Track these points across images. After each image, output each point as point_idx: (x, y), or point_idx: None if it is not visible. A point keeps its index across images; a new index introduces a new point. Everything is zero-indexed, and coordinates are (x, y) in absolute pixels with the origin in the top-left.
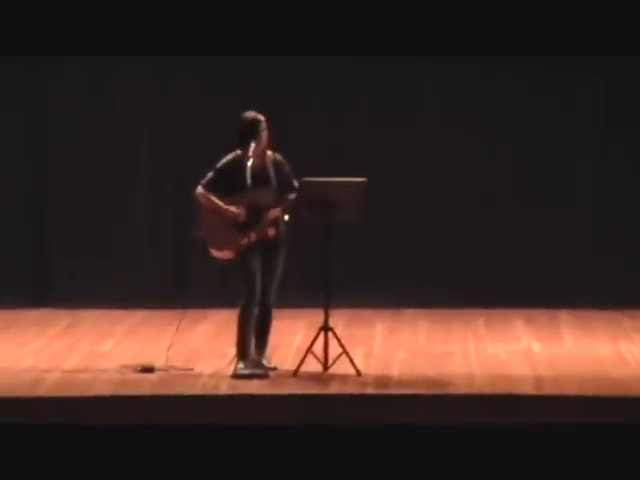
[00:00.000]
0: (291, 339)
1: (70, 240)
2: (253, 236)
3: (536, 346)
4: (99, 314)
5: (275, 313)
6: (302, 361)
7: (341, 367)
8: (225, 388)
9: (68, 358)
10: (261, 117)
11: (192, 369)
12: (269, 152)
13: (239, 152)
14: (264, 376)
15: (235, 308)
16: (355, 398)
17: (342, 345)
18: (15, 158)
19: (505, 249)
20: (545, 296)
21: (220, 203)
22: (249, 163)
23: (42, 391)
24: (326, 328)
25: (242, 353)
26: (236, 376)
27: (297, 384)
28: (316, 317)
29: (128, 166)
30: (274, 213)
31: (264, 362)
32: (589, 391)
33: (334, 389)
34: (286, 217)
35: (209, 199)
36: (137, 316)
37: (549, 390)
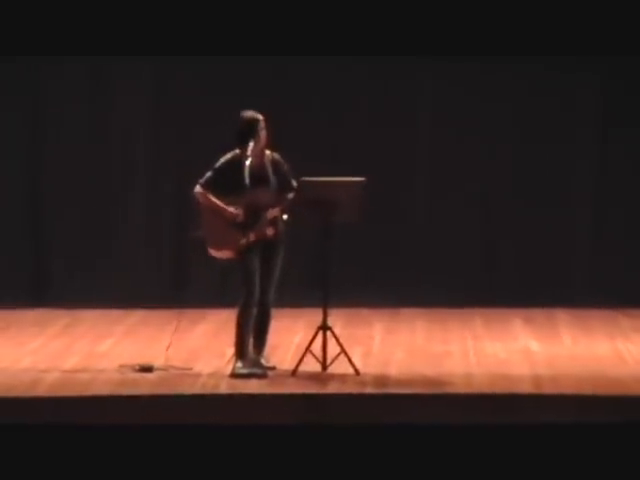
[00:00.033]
0: (290, 338)
1: (68, 240)
2: (252, 236)
3: (534, 345)
4: (98, 314)
5: (274, 312)
6: (301, 360)
7: (340, 366)
8: (224, 387)
9: (67, 358)
10: (260, 116)
11: (191, 369)
12: (267, 151)
13: (237, 151)
14: (263, 375)
15: (234, 308)
16: (354, 397)
17: (341, 344)
18: (13, 158)
19: (504, 249)
20: (544, 296)
21: (218, 202)
22: (247, 162)
23: (41, 391)
24: (325, 327)
25: (240, 352)
26: (234, 375)
27: (296, 383)
28: (315, 317)
29: (126, 166)
30: (273, 213)
31: (263, 361)
32: (587, 390)
33: (333, 388)
34: (285, 217)
35: (207, 198)
36: (136, 316)
37: (548, 389)
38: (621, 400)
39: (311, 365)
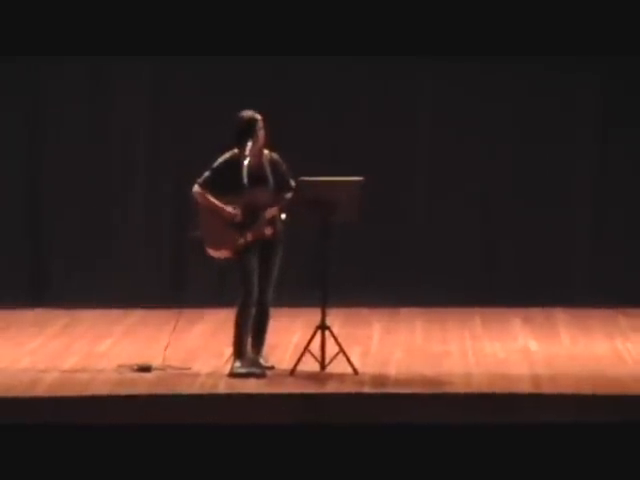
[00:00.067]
0: (288, 338)
1: (68, 240)
2: (250, 235)
3: (533, 345)
4: (96, 314)
5: (272, 312)
6: (299, 360)
7: (338, 366)
8: (223, 387)
9: (66, 358)
10: (258, 116)
11: (189, 368)
12: (266, 151)
13: (236, 151)
14: (261, 375)
15: (232, 307)
16: (352, 397)
17: (339, 344)
18: (13, 158)
19: (504, 249)
20: (544, 296)
21: (217, 202)
22: (245, 162)
23: (40, 391)
24: (323, 327)
25: (239, 352)
26: (233, 375)
27: (294, 383)
28: (313, 316)
29: (126, 166)
30: (271, 212)
31: (261, 361)
32: (587, 390)
33: (331, 388)
34: (283, 216)
35: (205, 198)
36: (134, 316)
37: (547, 389)
38: (620, 399)
39: (309, 365)
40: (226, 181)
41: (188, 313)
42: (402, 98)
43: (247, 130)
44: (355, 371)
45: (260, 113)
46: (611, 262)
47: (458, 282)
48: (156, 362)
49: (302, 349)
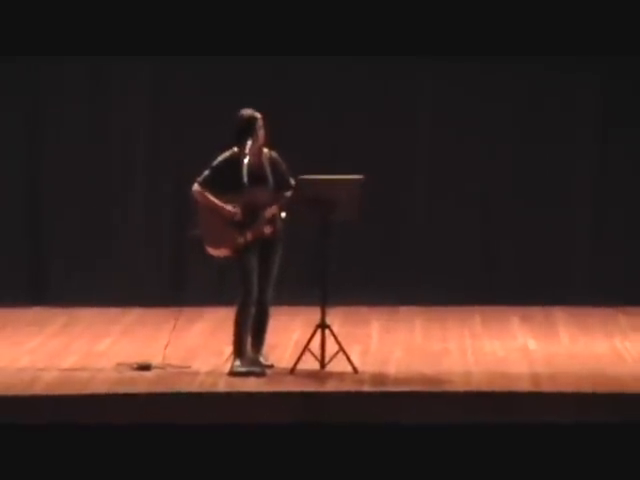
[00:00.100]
0: (288, 337)
1: (67, 240)
2: (250, 234)
3: (532, 344)
4: (95, 313)
5: (272, 311)
6: (299, 359)
7: (338, 365)
8: (222, 386)
9: (65, 357)
10: (258, 115)
11: (189, 367)
12: (265, 150)
13: (236, 149)
14: (261, 374)
15: (232, 306)
16: (352, 395)
17: (339, 343)
18: (13, 158)
19: (504, 249)
20: (544, 296)
21: (216, 201)
22: (245, 161)
23: (39, 390)
24: (323, 326)
25: (239, 351)
26: (233, 374)
27: (294, 382)
28: (313, 315)
29: (126, 166)
30: (271, 211)
31: (261, 360)
32: (586, 388)
33: (331, 387)
34: (283, 215)
35: (205, 197)
36: (134, 315)
37: (546, 387)
38: (620, 398)
39: (309, 363)
40: (226, 180)
41: (188, 312)
42: (402, 98)
43: (247, 129)
44: (355, 370)
45: (260, 113)
46: (611, 262)
47: (458, 281)
48: (156, 361)
49: (302, 348)
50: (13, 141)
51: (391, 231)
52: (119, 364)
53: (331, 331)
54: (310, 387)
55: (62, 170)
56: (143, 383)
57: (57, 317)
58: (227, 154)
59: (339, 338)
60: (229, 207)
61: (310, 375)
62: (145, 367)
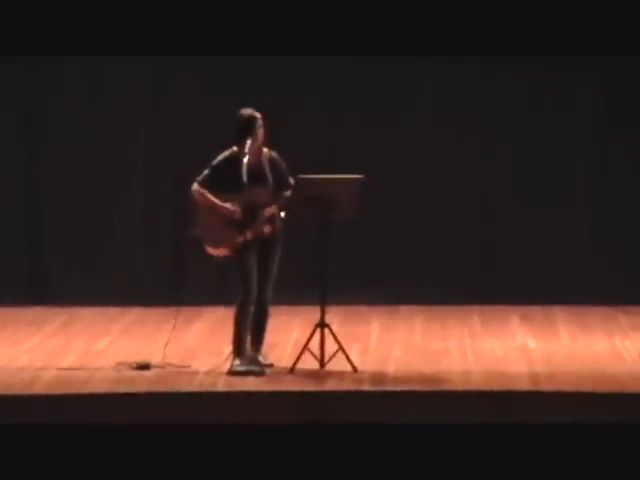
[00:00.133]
0: (287, 336)
1: (67, 240)
2: (249, 234)
3: (532, 343)
4: (94, 312)
5: (271, 310)
6: (298, 358)
7: (337, 364)
8: (222, 385)
9: (64, 356)
10: (257, 114)
11: (189, 366)
12: (265, 149)
13: (235, 149)
14: (260, 373)
15: (231, 306)
16: (351, 395)
17: (338, 342)
18: (12, 158)
19: (503, 249)
20: (544, 296)
21: (215, 200)
22: (245, 160)
23: (38, 389)
24: (322, 325)
25: (238, 350)
26: (232, 373)
27: (293, 381)
28: (312, 314)
29: (124, 166)
30: (270, 210)
31: (260, 359)
32: (586, 388)
33: (330, 386)
34: (282, 214)
35: (204, 196)
36: (133, 314)
37: (545, 386)
38: (619, 397)
39: (309, 363)
40: (225, 179)
41: (187, 311)
42: (402, 98)
43: (246, 128)
44: (354, 369)
45: (260, 112)
46: (611, 262)
47: (458, 281)
48: (155, 360)
49: (301, 347)
50: (13, 141)
51: (391, 231)
52: (118, 363)
53: (330, 330)
54: (309, 386)
55: (61, 170)
56: (142, 382)
57: (56, 316)
58: (227, 153)
59: (338, 337)
60: (229, 205)
61: (309, 374)
62: (144, 366)
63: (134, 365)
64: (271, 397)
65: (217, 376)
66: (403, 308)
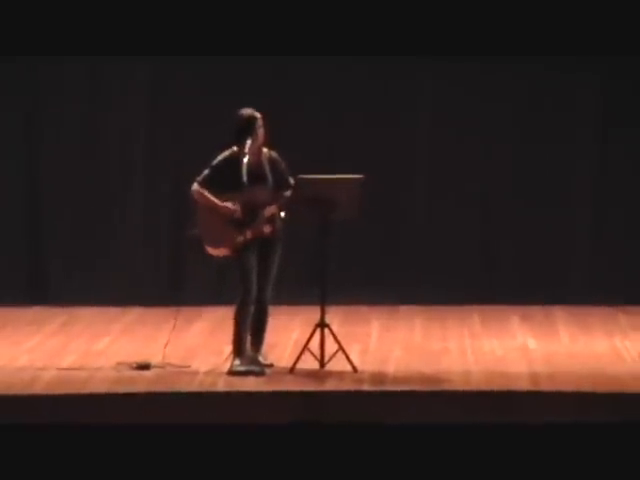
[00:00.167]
0: (287, 336)
1: (67, 240)
2: (249, 233)
3: (532, 343)
4: (94, 312)
5: (271, 310)
6: (298, 358)
7: (337, 364)
8: (222, 385)
9: (64, 356)
10: (257, 114)
11: (189, 366)
12: (265, 149)
13: (235, 149)
14: (260, 373)
15: (231, 306)
16: (351, 395)
17: (338, 342)
18: (12, 158)
19: (503, 249)
20: (544, 296)
21: (215, 200)
22: (245, 160)
23: (38, 389)
24: (322, 325)
25: (238, 350)
26: (232, 373)
27: (293, 381)
28: (312, 314)
29: (124, 166)
30: (270, 210)
31: (260, 359)
32: (586, 388)
33: (330, 386)
34: (282, 214)
35: (204, 196)
36: (133, 314)
37: (545, 386)
38: (619, 398)
39: (309, 363)
40: (225, 179)
41: (187, 311)
42: (402, 98)
43: (246, 128)
44: (354, 369)
45: (260, 112)
46: (611, 262)
47: (458, 281)
48: (155, 360)
49: (301, 347)
50: (13, 141)
51: (391, 231)
52: (118, 363)
53: (330, 330)
54: (309, 386)
55: (61, 170)
56: (142, 382)
57: (55, 316)
58: (227, 153)
59: (338, 337)
60: (229, 204)
61: (309, 374)
62: (144, 366)
63: (134, 365)
64: (271, 397)
65: (217, 376)
66: (403, 308)
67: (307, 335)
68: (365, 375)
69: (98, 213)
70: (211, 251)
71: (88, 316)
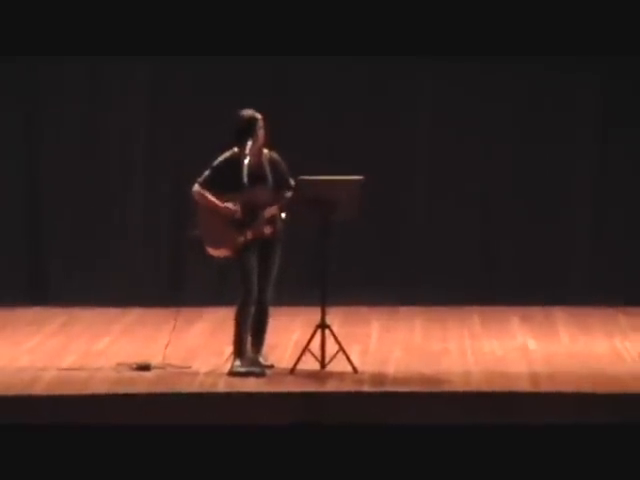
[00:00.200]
0: (288, 337)
1: (67, 240)
2: (249, 234)
3: (532, 343)
4: (94, 313)
5: (272, 311)
6: (299, 359)
7: (338, 365)
8: (222, 386)
9: (64, 356)
10: (258, 115)
11: (189, 367)
12: (265, 150)
13: (236, 150)
14: (261, 374)
15: (232, 306)
16: (352, 396)
17: (339, 343)
18: (12, 158)
19: (503, 249)
20: (544, 296)
21: (216, 201)
22: (246, 161)
23: (38, 389)
24: (323, 326)
25: (239, 351)
26: (233, 374)
27: (294, 382)
28: (312, 315)
29: (124, 166)
30: (270, 211)
31: (261, 360)
32: (586, 388)
33: (331, 387)
34: (283, 215)
35: (205, 197)
36: (133, 315)
37: (545, 387)
38: (619, 398)
39: (309, 363)
40: (226, 180)
41: (187, 312)
42: (402, 98)
43: (247, 129)
44: (355, 370)
45: (260, 113)
46: (611, 262)
47: (458, 281)
48: (155, 361)
49: (302, 348)
50: (13, 141)
51: (391, 231)
52: (119, 364)
53: (331, 331)
54: (310, 387)
55: (61, 170)
56: (143, 383)
57: (56, 316)
58: (227, 154)
59: (339, 338)
60: (229, 205)
61: (310, 375)
62: (145, 367)
63: (134, 366)
64: (272, 398)
65: (217, 377)
66: (403, 309)
67: (307, 336)
68: (365, 376)
69: (98, 213)
70: (212, 252)
71: (88, 316)
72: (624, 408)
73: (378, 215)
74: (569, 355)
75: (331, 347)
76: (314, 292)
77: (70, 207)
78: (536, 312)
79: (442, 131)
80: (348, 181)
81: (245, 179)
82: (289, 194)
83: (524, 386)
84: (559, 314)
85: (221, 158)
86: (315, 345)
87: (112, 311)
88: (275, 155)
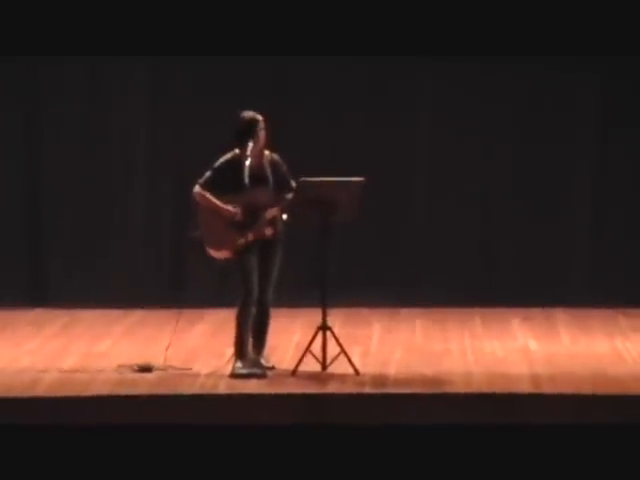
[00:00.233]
0: (289, 338)
1: (67, 240)
2: (250, 235)
3: (533, 344)
4: (96, 314)
5: (272, 312)
6: (300, 360)
7: (339, 366)
8: (223, 387)
9: (65, 358)
10: (259, 117)
11: (190, 369)
12: (266, 152)
13: (237, 151)
14: (262, 375)
15: (233, 308)
16: (353, 397)
17: (340, 344)
18: (12, 158)
19: (503, 249)
20: (544, 296)
21: (217, 202)
22: (247, 162)
23: (39, 391)
24: (324, 327)
25: (240, 352)
26: (234, 375)
27: (295, 383)
28: (313, 316)
29: (125, 166)
30: (271, 213)
31: (262, 361)
32: (586, 389)
33: (332, 388)
34: (284, 217)
35: (206, 198)
36: (134, 316)
37: (546, 388)
38: (620, 399)
39: (311, 365)
40: (227, 181)
41: (188, 313)
42: (402, 98)
43: (248, 131)
44: (356, 371)
45: (260, 113)
46: (611, 262)
47: (458, 282)
48: (157, 362)
49: (303, 349)
50: (13, 141)
51: (391, 231)
52: (120, 366)
53: (332, 333)
54: (311, 389)
55: (62, 170)
56: (144, 385)
57: (57, 318)
58: (228, 156)
59: (340, 339)
60: (230, 207)
61: (311, 377)
62: (146, 369)
63: (136, 367)
64: (273, 399)
65: (219, 378)
66: (404, 310)
67: (308, 337)
68: (367, 377)
69: (99, 213)
70: (212, 253)
71: (89, 318)
72: (625, 409)
73: (378, 215)
74: (570, 356)
75: (332, 348)
76: (314, 293)
77: (70, 207)
78: (537, 313)
79: (442, 131)
80: (349, 182)
81: (246, 180)
82: (290, 196)
83: (525, 387)
84: (560, 315)
85: (222, 159)
86: (316, 347)
87: (113, 312)
88: (276, 157)
